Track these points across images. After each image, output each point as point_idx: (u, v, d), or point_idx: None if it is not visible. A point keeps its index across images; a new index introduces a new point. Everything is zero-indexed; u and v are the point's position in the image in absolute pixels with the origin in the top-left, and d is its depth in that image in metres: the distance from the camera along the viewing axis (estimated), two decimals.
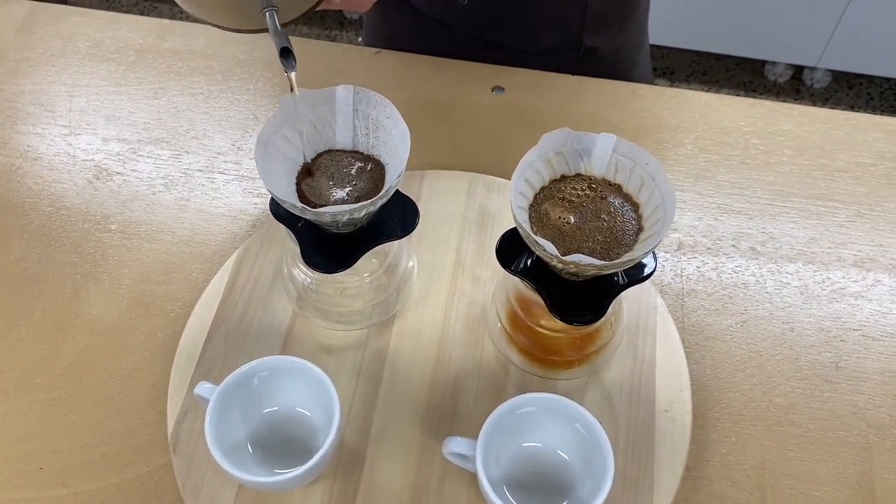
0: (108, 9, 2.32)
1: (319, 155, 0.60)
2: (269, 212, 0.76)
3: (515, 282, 0.63)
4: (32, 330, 0.71)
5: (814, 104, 2.16)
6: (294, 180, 0.59)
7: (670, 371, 0.66)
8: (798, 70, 2.19)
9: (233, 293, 0.70)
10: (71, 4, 1.05)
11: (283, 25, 0.54)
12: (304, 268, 0.66)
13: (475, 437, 0.61)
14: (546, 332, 0.63)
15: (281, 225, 0.73)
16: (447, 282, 0.71)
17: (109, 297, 0.73)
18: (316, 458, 0.54)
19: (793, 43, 2.01)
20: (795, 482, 0.63)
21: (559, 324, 0.62)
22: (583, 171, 0.57)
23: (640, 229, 0.55)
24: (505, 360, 0.66)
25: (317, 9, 0.55)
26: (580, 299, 0.57)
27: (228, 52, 0.90)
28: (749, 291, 0.73)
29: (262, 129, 0.56)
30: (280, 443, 0.60)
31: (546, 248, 0.51)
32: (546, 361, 0.64)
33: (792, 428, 0.66)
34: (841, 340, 0.70)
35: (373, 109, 0.59)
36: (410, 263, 0.69)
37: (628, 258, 0.52)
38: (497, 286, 0.68)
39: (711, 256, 0.75)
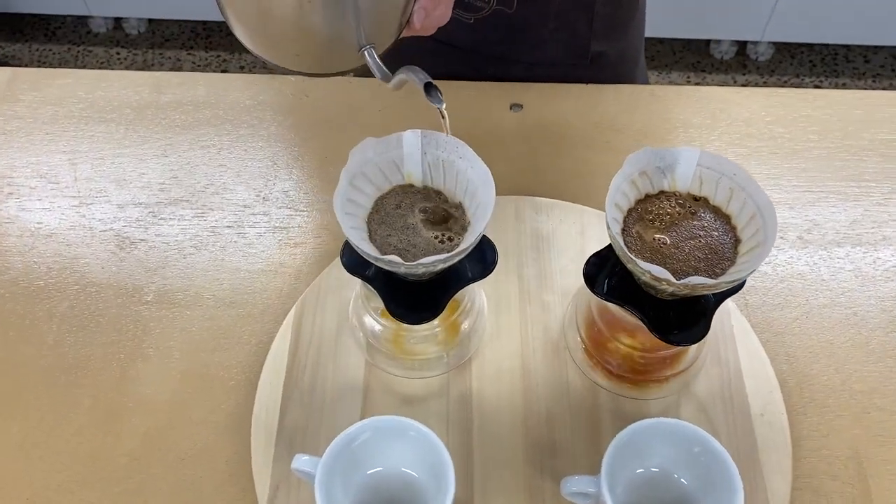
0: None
1: (385, 195, 0.58)
2: (306, 262, 0.74)
3: (600, 305, 0.61)
4: (85, 420, 0.66)
5: (761, 77, 2.22)
6: (367, 229, 0.57)
7: (756, 374, 0.66)
8: (742, 46, 2.24)
9: (298, 353, 0.67)
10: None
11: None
12: (376, 315, 0.64)
13: (584, 468, 0.60)
14: (639, 352, 0.61)
15: (335, 273, 0.70)
16: (516, 312, 0.69)
17: (161, 374, 0.69)
18: None
19: (736, 19, 2.06)
20: (894, 467, 0.64)
21: (652, 343, 0.61)
22: (666, 188, 0.56)
23: (737, 241, 0.54)
24: (592, 384, 0.65)
25: (400, 37, 0.54)
26: (677, 318, 0.56)
27: (232, 98, 0.86)
28: (806, 281, 0.73)
29: (338, 186, 0.54)
30: None
31: (656, 273, 0.50)
32: (637, 382, 0.63)
33: (878, 413, 0.66)
34: None
35: (443, 151, 0.56)
36: (482, 301, 0.67)
37: (738, 273, 0.51)
38: (575, 309, 0.66)
39: None
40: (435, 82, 0.50)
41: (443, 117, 0.53)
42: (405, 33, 0.55)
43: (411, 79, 0.50)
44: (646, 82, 1.01)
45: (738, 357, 0.66)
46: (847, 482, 0.63)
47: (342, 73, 0.54)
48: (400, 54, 0.95)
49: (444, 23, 0.58)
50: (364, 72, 0.98)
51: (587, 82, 0.87)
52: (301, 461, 0.56)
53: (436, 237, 0.56)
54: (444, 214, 0.57)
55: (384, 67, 0.51)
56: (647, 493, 0.58)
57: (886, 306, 0.72)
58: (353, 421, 0.60)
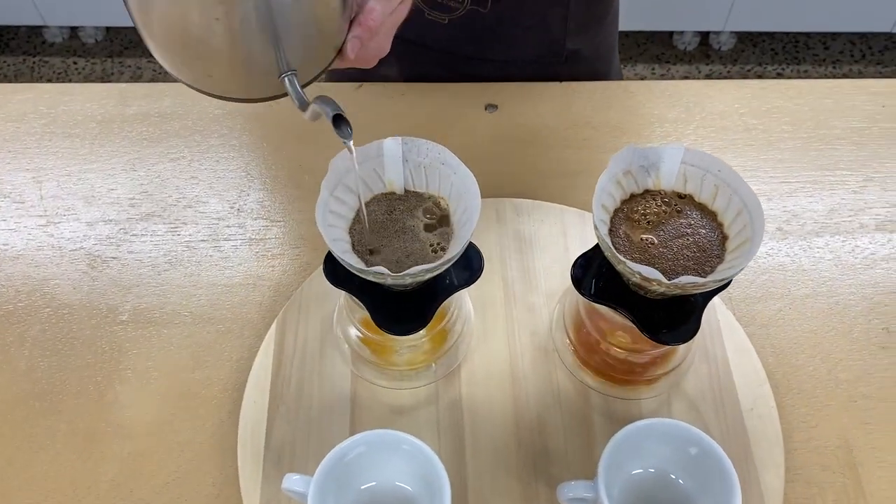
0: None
1: (367, 204, 0.57)
2: (284, 274, 0.73)
3: (589, 306, 0.61)
4: (63, 447, 0.64)
5: (724, 66, 2.24)
6: (350, 240, 0.55)
7: (745, 368, 0.66)
8: (704, 36, 2.26)
9: (282, 368, 0.65)
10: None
11: (302, 87, 0.50)
12: (361, 326, 0.62)
13: (577, 471, 0.59)
14: (629, 353, 0.61)
15: (315, 285, 0.69)
16: (502, 316, 0.68)
17: (140, 395, 0.67)
18: None
19: (698, 10, 2.08)
20: (882, 454, 0.64)
21: (642, 343, 0.60)
22: (651, 187, 0.56)
23: (724, 238, 0.54)
24: (583, 386, 0.64)
25: (330, 68, 0.51)
26: (666, 317, 0.56)
27: (200, 108, 0.84)
28: (787, 273, 0.74)
29: (319, 198, 0.52)
30: None
31: (646, 273, 0.49)
32: (628, 382, 0.63)
33: (864, 401, 0.67)
34: (885, 305, 0.72)
35: (424, 158, 0.55)
36: (469, 307, 0.66)
37: (728, 271, 0.51)
38: (563, 311, 0.66)
39: None
40: (345, 114, 0.47)
41: (350, 152, 0.50)
42: (339, 64, 0.52)
43: (322, 110, 0.47)
44: (620, 78, 1.01)
45: (726, 352, 0.66)
46: (838, 471, 0.63)
47: (263, 100, 0.50)
48: None
49: (383, 55, 0.55)
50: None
51: (563, 80, 0.87)
52: (292, 481, 0.55)
53: (431, 247, 0.55)
54: (433, 216, 0.56)
55: (304, 97, 0.48)
56: (644, 495, 0.57)
57: (867, 294, 0.72)
58: (342, 435, 0.59)
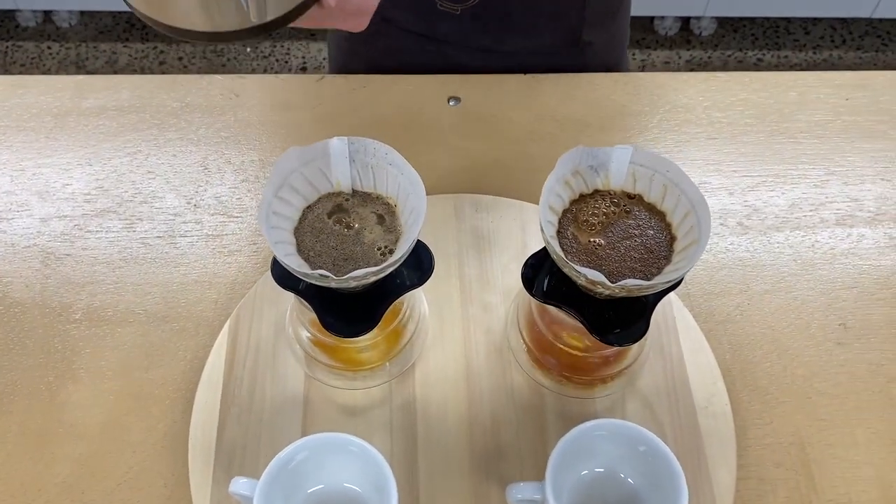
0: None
1: (313, 204, 0.56)
2: (241, 271, 0.72)
3: (541, 306, 0.60)
4: (13, 449, 0.64)
5: (704, 52, 2.23)
6: (294, 241, 0.55)
7: (700, 365, 0.65)
8: (685, 21, 2.25)
9: (235, 368, 0.65)
10: None
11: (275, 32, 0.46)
12: (311, 328, 0.62)
13: (530, 471, 0.59)
14: (581, 352, 0.61)
15: (270, 283, 0.68)
16: (458, 314, 0.68)
17: (93, 395, 0.66)
18: None
19: None
20: (835, 450, 0.64)
21: (593, 343, 0.60)
22: (600, 187, 0.55)
23: (672, 239, 0.54)
24: (537, 385, 0.64)
25: (304, 12, 0.48)
26: (616, 317, 0.56)
27: (158, 101, 0.83)
28: (746, 268, 0.73)
29: (262, 199, 0.52)
30: None
31: (590, 276, 0.49)
32: (582, 381, 0.63)
33: (819, 397, 0.67)
34: (843, 301, 0.72)
35: (371, 157, 0.55)
36: (423, 306, 0.66)
37: (674, 273, 0.50)
38: (517, 310, 0.65)
39: None
40: None
41: None
42: (322, 18, 0.48)
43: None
44: (629, 68, 0.99)
45: (682, 349, 0.66)
46: (791, 468, 0.63)
47: (224, 37, 0.47)
48: (371, 49, 0.89)
49: (369, 9, 0.52)
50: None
51: (576, 70, 0.85)
52: (239, 484, 0.54)
53: (378, 249, 0.54)
54: (380, 217, 0.55)
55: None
56: (595, 494, 0.57)
57: (825, 289, 0.72)
58: (293, 436, 0.59)
